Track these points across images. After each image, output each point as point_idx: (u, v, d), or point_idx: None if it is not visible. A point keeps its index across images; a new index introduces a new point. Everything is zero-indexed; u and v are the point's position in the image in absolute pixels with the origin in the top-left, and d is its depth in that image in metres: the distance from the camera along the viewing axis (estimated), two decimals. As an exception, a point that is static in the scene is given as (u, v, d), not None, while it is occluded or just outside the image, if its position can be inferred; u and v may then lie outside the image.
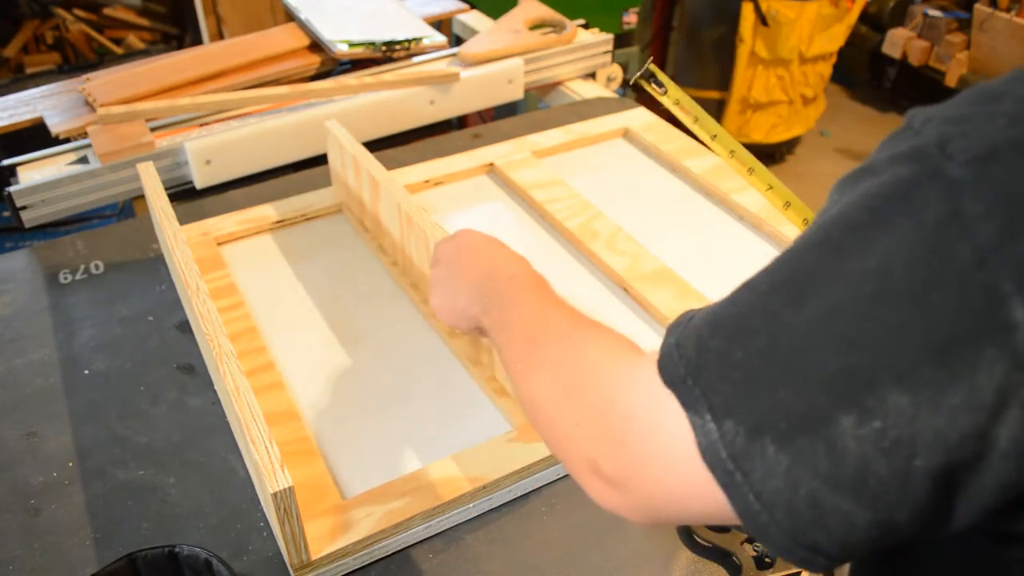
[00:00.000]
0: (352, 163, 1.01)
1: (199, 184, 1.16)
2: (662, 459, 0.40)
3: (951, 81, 2.89)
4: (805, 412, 0.35)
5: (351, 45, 1.32)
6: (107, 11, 2.67)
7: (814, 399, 0.35)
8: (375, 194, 0.97)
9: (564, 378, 0.50)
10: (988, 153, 0.34)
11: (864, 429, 0.33)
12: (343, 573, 0.68)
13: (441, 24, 1.59)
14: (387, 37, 1.36)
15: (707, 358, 0.39)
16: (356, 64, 1.36)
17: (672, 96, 0.73)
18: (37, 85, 1.31)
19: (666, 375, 0.40)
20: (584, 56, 1.45)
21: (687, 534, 0.71)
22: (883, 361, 0.33)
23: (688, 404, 0.38)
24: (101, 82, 1.23)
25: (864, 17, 3.06)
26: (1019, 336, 0.31)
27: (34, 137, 1.19)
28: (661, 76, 0.73)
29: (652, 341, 0.90)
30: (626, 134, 1.27)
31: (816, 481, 0.34)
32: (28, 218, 1.09)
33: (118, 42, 2.67)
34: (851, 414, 0.34)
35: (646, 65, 0.73)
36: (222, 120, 1.20)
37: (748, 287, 0.39)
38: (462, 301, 0.68)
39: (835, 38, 2.68)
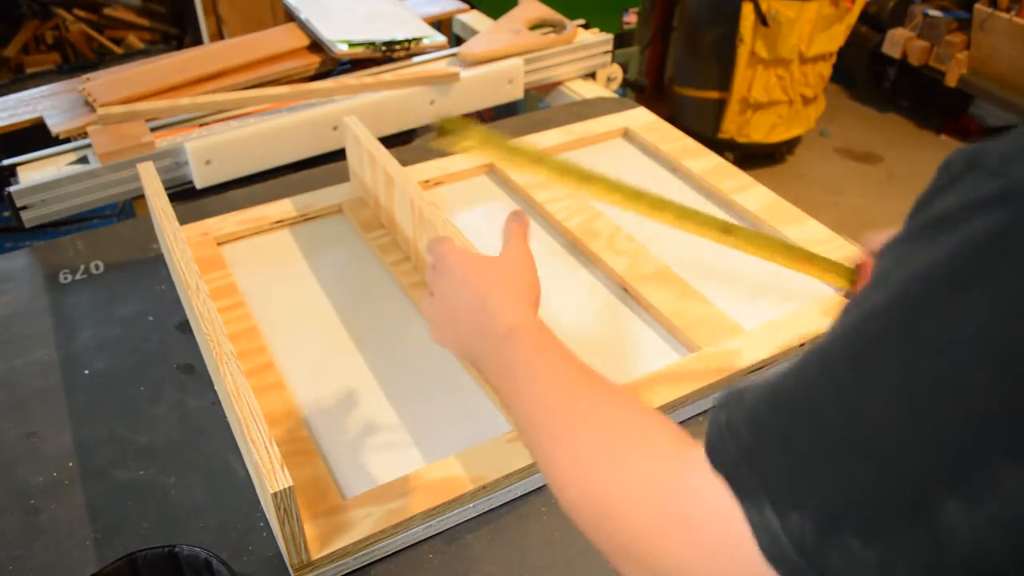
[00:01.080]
0: (368, 159, 1.01)
1: (199, 184, 1.16)
2: (713, 555, 0.36)
3: (951, 81, 2.89)
4: (898, 497, 0.30)
5: (351, 45, 1.32)
6: (107, 11, 2.67)
7: (908, 481, 0.30)
8: (390, 190, 0.97)
9: (596, 468, 0.44)
10: None
11: (976, 511, 0.29)
12: (343, 573, 0.68)
13: (441, 24, 1.59)
14: (387, 37, 1.36)
15: (765, 438, 0.34)
16: (356, 64, 1.36)
17: (466, 146, 0.67)
18: (37, 85, 1.31)
19: (716, 459, 0.36)
20: (584, 56, 1.45)
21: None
22: (989, 435, 0.29)
23: (744, 493, 0.34)
24: (101, 82, 1.23)
25: (864, 17, 3.06)
26: None
27: (34, 137, 1.19)
28: (456, 125, 0.66)
29: (652, 341, 0.90)
30: (626, 134, 1.27)
31: (920, 572, 0.30)
32: (28, 218, 1.09)
33: (118, 42, 2.67)
34: (957, 496, 0.29)
35: (435, 121, 0.65)
36: (222, 120, 1.20)
37: (811, 353, 0.35)
38: (453, 346, 0.62)
39: (835, 38, 2.68)
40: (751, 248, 0.78)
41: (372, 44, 1.33)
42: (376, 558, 0.69)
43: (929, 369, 0.31)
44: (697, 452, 0.37)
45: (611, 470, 0.42)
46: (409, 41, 1.36)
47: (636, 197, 0.72)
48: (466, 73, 1.31)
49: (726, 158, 1.19)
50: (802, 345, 0.87)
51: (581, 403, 0.48)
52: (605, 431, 0.45)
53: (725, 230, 0.76)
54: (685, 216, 0.74)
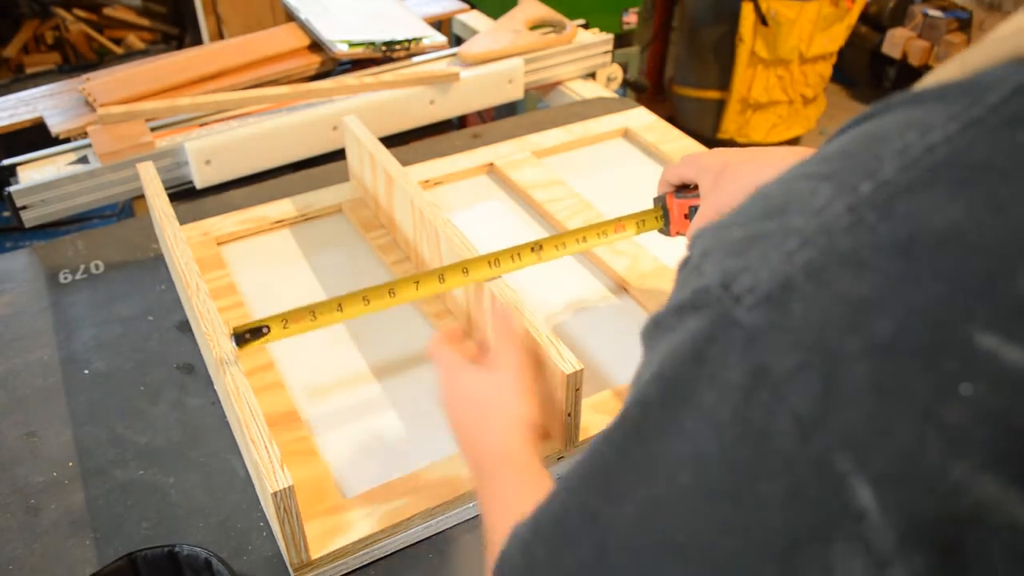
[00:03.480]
0: (368, 159, 1.01)
1: (199, 184, 1.16)
2: None
3: (951, 81, 2.89)
4: None
5: (351, 45, 1.32)
6: (107, 11, 2.67)
7: None
8: (390, 190, 0.97)
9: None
10: (781, 288, 0.27)
11: None
12: (343, 573, 0.68)
13: (441, 24, 1.59)
14: (387, 37, 1.36)
15: (536, 571, 0.34)
16: (356, 64, 1.36)
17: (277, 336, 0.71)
18: (37, 85, 1.31)
19: None
20: (584, 56, 1.45)
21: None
22: (721, 569, 0.28)
23: None
24: (101, 82, 1.23)
25: (864, 17, 3.06)
26: (870, 524, 0.25)
27: (34, 137, 1.19)
28: (257, 324, 0.69)
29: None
30: (626, 134, 1.27)
31: None
32: (28, 218, 1.09)
33: (118, 42, 2.67)
34: None
35: (232, 331, 0.69)
36: (222, 120, 1.20)
37: (564, 479, 0.35)
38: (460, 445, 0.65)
39: (835, 38, 2.68)
40: (567, 249, 0.81)
41: (372, 44, 1.33)
42: (376, 558, 0.69)
43: (654, 498, 0.30)
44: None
45: None
46: (409, 41, 1.36)
47: (442, 275, 0.76)
48: (466, 73, 1.31)
49: (726, 158, 1.18)
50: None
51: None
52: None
53: (534, 250, 0.79)
54: (497, 263, 0.77)
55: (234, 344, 0.69)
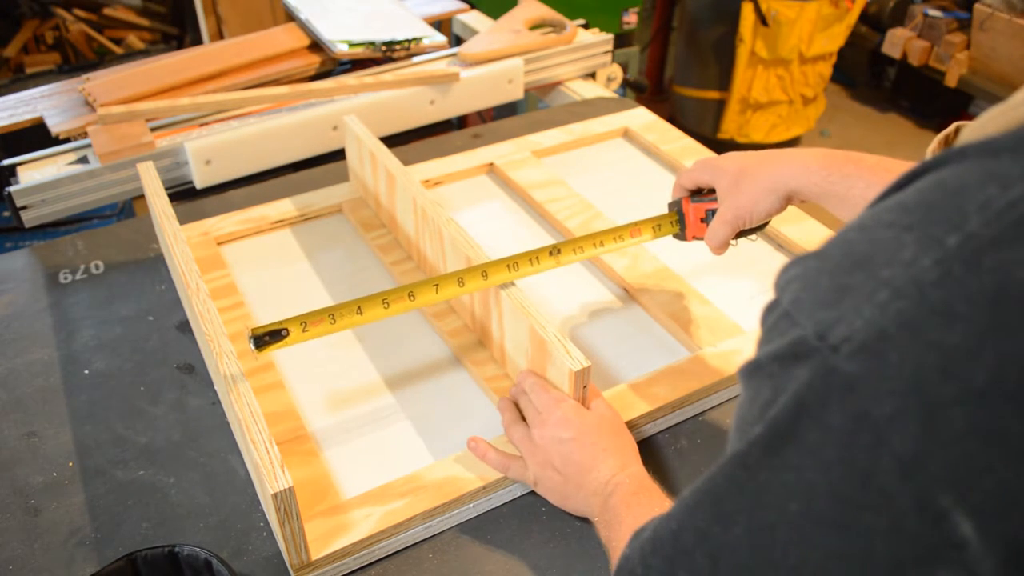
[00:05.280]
0: (369, 158, 1.01)
1: (199, 184, 1.16)
2: None
3: (951, 81, 2.89)
4: None
5: (351, 45, 1.32)
6: (107, 11, 2.67)
7: None
8: (391, 189, 0.97)
9: None
10: (877, 338, 0.29)
11: None
12: (343, 573, 0.68)
13: (441, 24, 1.59)
14: (387, 37, 1.36)
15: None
16: (356, 64, 1.36)
17: (296, 339, 0.70)
18: (37, 85, 1.31)
19: None
20: (584, 56, 1.45)
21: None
22: None
23: None
24: (101, 82, 1.23)
25: (864, 17, 3.06)
26: (971, 553, 0.27)
27: (34, 137, 1.19)
28: (276, 327, 0.68)
29: (652, 341, 0.90)
30: (626, 134, 1.27)
31: None
32: (28, 218, 1.09)
33: (118, 42, 2.67)
34: None
35: (251, 335, 0.68)
36: (222, 120, 1.20)
37: (681, 499, 0.38)
38: (573, 503, 0.69)
39: (835, 38, 2.68)
40: (584, 253, 0.81)
41: (372, 44, 1.33)
42: (376, 558, 0.69)
43: (768, 523, 0.33)
44: None
45: None
46: (409, 41, 1.36)
47: (461, 277, 0.76)
48: (466, 73, 1.31)
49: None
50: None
51: None
52: None
53: (552, 253, 0.80)
54: (516, 266, 0.78)
55: (253, 347, 0.68)
